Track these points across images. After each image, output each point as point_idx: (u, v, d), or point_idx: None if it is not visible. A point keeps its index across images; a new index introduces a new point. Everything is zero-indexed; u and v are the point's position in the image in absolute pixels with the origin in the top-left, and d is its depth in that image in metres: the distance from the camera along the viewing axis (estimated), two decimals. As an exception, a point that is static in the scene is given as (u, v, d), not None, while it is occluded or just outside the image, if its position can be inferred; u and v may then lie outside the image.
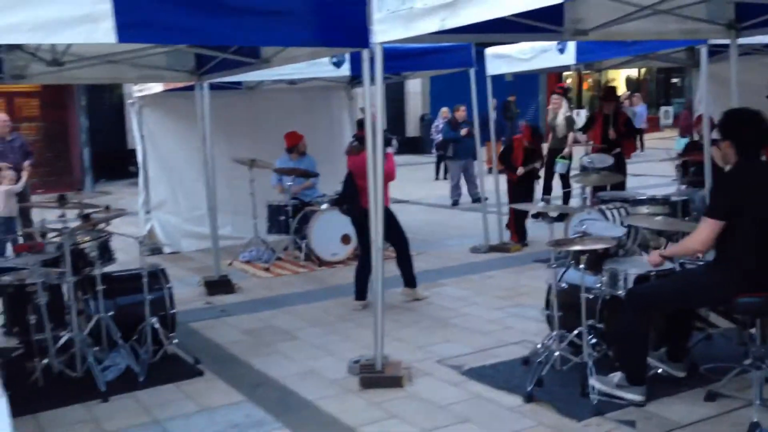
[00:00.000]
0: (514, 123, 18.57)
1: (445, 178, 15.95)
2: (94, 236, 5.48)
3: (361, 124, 6.83)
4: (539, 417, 4.32)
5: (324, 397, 4.77)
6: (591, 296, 4.79)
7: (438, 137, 16.78)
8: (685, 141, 14.45)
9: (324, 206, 8.86)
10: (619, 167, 8.95)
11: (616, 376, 4.44)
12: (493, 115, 10.60)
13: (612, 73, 27.60)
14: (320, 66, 7.94)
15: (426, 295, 7.04)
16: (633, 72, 29.10)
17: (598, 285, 4.84)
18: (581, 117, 25.91)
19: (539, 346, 5.04)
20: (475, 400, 4.64)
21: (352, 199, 6.76)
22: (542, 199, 6.17)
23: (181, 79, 7.50)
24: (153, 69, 7.07)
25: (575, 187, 8.62)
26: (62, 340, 5.11)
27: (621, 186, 8.97)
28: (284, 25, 4.59)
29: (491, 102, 9.52)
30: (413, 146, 23.34)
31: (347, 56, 7.97)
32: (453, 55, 8.31)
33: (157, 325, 5.43)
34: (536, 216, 9.47)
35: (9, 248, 8.46)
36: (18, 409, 3.50)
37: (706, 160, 7.08)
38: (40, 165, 10.69)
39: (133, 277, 5.58)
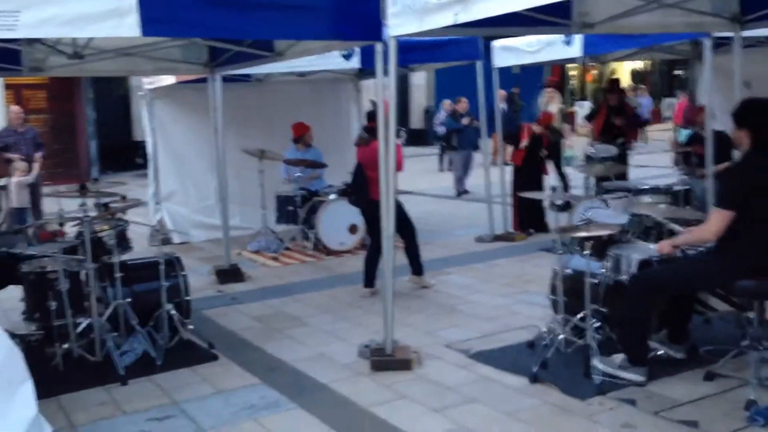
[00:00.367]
0: (519, 114, 18.71)
1: (449, 170, 16.10)
2: (112, 225, 5.64)
3: (371, 115, 6.97)
4: (544, 396, 4.49)
5: (336, 379, 4.94)
6: (596, 281, 4.94)
7: (441, 129, 16.94)
8: (688, 132, 14.58)
9: (332, 197, 9.01)
10: (622, 158, 9.09)
11: (619, 357, 4.61)
12: (502, 106, 10.76)
13: (616, 66, 27.66)
14: (330, 58, 8.06)
15: (432, 282, 7.20)
16: (637, 64, 29.14)
17: (602, 270, 4.99)
18: (585, 109, 26.06)
19: (544, 329, 5.20)
20: (482, 381, 4.81)
21: (360, 190, 6.91)
22: (551, 188, 6.30)
23: (195, 71, 7.65)
24: (167, 62, 7.22)
25: (579, 177, 8.77)
26: (82, 326, 5.28)
27: (623, 176, 9.12)
28: (301, 19, 4.74)
29: (499, 94, 9.66)
30: (417, 138, 23.49)
31: (357, 49, 8.10)
32: (461, 48, 8.45)
33: (173, 312, 5.60)
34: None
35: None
36: (40, 392, 3.65)
37: (708, 152, 7.21)
38: (47, 157, 10.85)
39: (149, 265, 5.74)
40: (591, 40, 7.76)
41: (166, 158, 10.24)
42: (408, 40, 6.73)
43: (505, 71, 9.59)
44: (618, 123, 9.09)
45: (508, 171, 9.77)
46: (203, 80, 8.42)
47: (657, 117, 26.46)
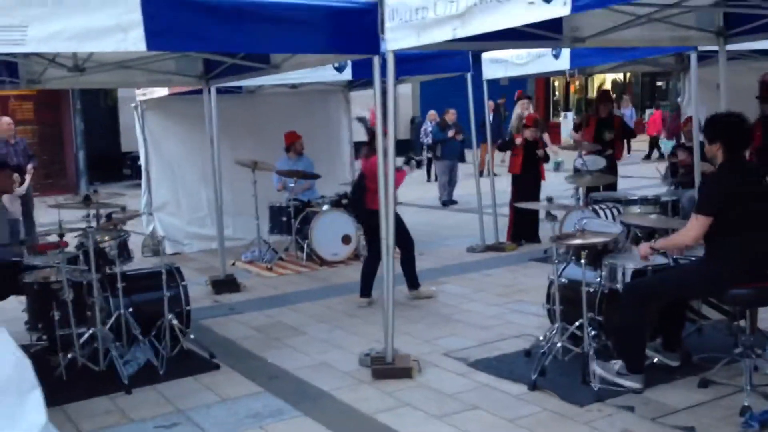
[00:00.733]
0: (504, 125, 18.90)
1: (435, 179, 16.24)
2: (113, 235, 5.70)
3: (370, 128, 7.09)
4: (543, 403, 4.59)
5: (338, 387, 5.02)
6: (591, 290, 5.05)
7: (427, 140, 17.10)
8: (671, 144, 14.81)
9: (325, 207, 9.10)
10: (611, 169, 9.24)
11: (617, 364, 4.71)
12: (489, 117, 10.90)
13: (599, 77, 27.95)
14: (323, 70, 8.18)
15: (433, 289, 7.27)
16: (619, 76, 29.48)
17: (598, 279, 5.11)
18: (568, 120, 26.32)
19: (541, 338, 5.32)
20: (482, 388, 4.91)
21: (358, 199, 7.01)
22: (547, 199, 6.43)
23: (190, 83, 7.74)
24: (162, 74, 7.31)
25: (569, 188, 8.93)
26: (86, 336, 5.33)
27: (612, 187, 9.27)
28: (301, 34, 4.85)
29: (488, 105, 9.80)
30: (403, 149, 23.59)
31: (349, 61, 8.21)
32: (451, 60, 8.60)
33: (174, 321, 5.65)
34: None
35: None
36: (45, 401, 3.70)
37: (696, 161, 7.38)
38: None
39: (150, 275, 5.80)
40: (579, 52, 7.91)
41: (158, 169, 10.28)
42: (400, 53, 6.85)
43: (493, 83, 9.75)
44: (609, 138, 9.23)
45: (498, 181, 9.90)
46: (195, 92, 8.51)
47: (640, 128, 26.76)
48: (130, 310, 5.56)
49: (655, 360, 4.95)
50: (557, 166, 11.78)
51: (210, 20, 4.53)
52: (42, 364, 5.31)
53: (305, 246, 9.10)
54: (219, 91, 8.41)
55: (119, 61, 6.48)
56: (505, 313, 6.63)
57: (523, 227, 9.57)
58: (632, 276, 4.94)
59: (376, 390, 4.95)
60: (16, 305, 5.73)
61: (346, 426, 4.42)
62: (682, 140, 9.61)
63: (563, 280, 5.36)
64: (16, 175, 9.79)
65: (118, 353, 5.27)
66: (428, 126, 17.18)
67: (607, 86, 28.76)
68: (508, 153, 10.00)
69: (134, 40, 4.25)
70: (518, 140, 9.52)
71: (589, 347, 4.84)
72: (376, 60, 5.14)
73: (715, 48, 6.60)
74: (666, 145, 13.46)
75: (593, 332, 5.00)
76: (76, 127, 18.59)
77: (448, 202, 14.10)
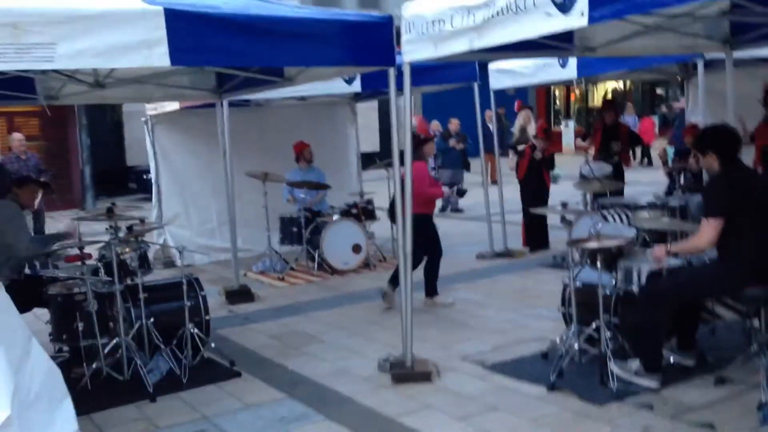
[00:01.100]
0: (506, 134, 19.04)
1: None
2: (134, 247, 5.80)
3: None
4: (563, 403, 4.68)
5: (360, 392, 5.11)
6: (607, 292, 5.15)
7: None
8: (671, 150, 14.92)
9: (335, 217, 9.21)
10: (618, 175, 9.34)
11: (635, 364, 4.81)
12: (490, 126, 11.02)
13: (600, 86, 28.15)
14: (332, 82, 8.26)
15: (450, 302, 7.32)
16: (620, 84, 29.67)
17: (613, 282, 5.21)
18: (570, 128, 26.48)
19: (558, 340, 5.41)
20: (501, 390, 5.00)
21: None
22: (561, 204, 6.54)
23: (203, 97, 7.86)
24: (176, 88, 7.42)
25: (575, 194, 9.05)
26: (110, 346, 5.42)
27: (619, 193, 9.37)
28: (318, 47, 4.98)
29: (486, 115, 9.93)
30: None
31: (358, 73, 8.33)
32: (458, 70, 8.72)
33: (194, 330, 5.75)
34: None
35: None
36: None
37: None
38: (41, 183, 11.07)
39: (170, 286, 5.91)
40: (585, 61, 8.03)
41: (168, 182, 10.39)
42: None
43: (499, 93, 9.88)
44: (617, 149, 9.33)
45: (506, 189, 10.00)
46: (205, 106, 8.67)
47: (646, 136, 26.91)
48: (152, 320, 5.65)
49: (671, 360, 5.04)
50: (555, 179, 11.89)
51: (229, 35, 4.65)
52: (66, 374, 5.41)
53: (316, 256, 9.20)
54: (228, 104, 8.54)
55: (135, 77, 6.59)
56: (518, 317, 6.72)
57: (533, 233, 9.68)
58: (648, 278, 5.04)
59: (396, 394, 5.04)
60: (32, 319, 5.82)
61: (371, 429, 4.51)
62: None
63: (578, 283, 5.46)
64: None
65: (141, 362, 5.37)
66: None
67: (608, 95, 28.98)
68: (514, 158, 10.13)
69: (159, 56, 4.37)
70: (520, 147, 9.64)
71: (606, 348, 4.93)
72: (392, 72, 5.25)
73: (722, 55, 6.73)
74: (670, 151, 13.58)
75: (609, 334, 5.09)
76: (82, 143, 18.72)
77: (446, 208, 14.24)
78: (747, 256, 4.47)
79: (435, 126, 17.46)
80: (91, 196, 18.72)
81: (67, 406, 4.13)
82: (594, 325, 5.14)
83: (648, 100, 32.48)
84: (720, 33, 6.35)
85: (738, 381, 4.73)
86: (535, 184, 9.54)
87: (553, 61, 8.30)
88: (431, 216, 7.33)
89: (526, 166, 9.53)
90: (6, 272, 5.67)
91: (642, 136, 21.73)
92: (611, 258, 5.23)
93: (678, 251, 4.86)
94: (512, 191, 9.98)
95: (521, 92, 24.01)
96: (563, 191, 10.97)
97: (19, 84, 6.58)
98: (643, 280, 5.05)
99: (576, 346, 5.17)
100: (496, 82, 9.44)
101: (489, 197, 9.70)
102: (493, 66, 9.35)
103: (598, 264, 5.01)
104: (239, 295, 8.05)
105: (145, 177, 17.17)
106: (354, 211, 9.56)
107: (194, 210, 10.49)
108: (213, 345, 5.92)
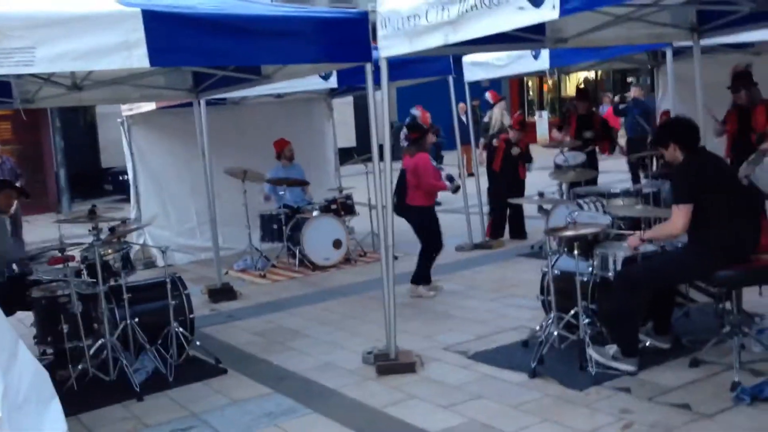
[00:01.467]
0: (479, 126, 19.20)
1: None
2: (116, 248, 5.83)
3: (412, 127, 7.32)
4: (544, 389, 4.79)
5: (345, 385, 5.19)
6: (584, 279, 5.27)
7: (406, 144, 17.36)
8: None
9: (315, 213, 9.26)
10: (592, 164, 9.48)
11: (612, 348, 4.93)
12: (463, 118, 11.12)
13: (572, 76, 28.36)
14: (308, 79, 8.28)
15: (431, 294, 7.41)
16: (591, 74, 29.92)
17: (590, 269, 5.33)
18: (543, 119, 26.68)
19: (538, 328, 5.52)
20: (484, 379, 5.10)
21: (398, 196, 7.16)
22: (539, 193, 6.66)
23: (180, 96, 7.87)
24: (153, 88, 7.43)
25: (551, 184, 9.16)
26: (96, 346, 5.45)
27: (593, 182, 9.52)
28: (295, 44, 5.04)
29: (460, 107, 10.04)
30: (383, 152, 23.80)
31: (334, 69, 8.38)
32: (433, 64, 8.77)
33: (179, 329, 5.79)
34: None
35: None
36: (62, 411, 3.85)
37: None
38: (16, 187, 10.99)
39: (154, 286, 5.94)
40: (558, 53, 8.13)
41: (146, 183, 10.38)
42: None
43: (473, 85, 10.00)
44: (587, 136, 9.47)
45: (482, 181, 10.12)
46: (180, 105, 8.66)
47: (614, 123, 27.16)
48: (136, 320, 5.68)
49: (647, 343, 5.17)
50: (529, 168, 12.06)
51: (207, 36, 4.69)
52: (51, 376, 5.42)
53: (297, 252, 9.25)
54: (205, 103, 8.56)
55: (112, 78, 6.60)
56: (499, 307, 6.83)
57: (510, 224, 9.82)
58: (623, 264, 5.17)
59: (382, 385, 5.13)
60: (14, 323, 5.81)
61: (358, 420, 4.58)
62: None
63: (556, 271, 5.57)
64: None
65: (127, 362, 5.40)
66: (406, 130, 17.45)
67: (581, 85, 29.21)
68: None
69: (138, 57, 4.41)
70: (495, 141, 9.76)
71: (585, 334, 5.05)
72: (369, 67, 5.33)
73: (690, 43, 6.87)
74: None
75: (587, 320, 5.21)
76: (56, 145, 18.59)
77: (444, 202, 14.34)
78: (717, 239, 4.60)
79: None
80: (66, 199, 18.60)
81: (56, 407, 4.16)
82: (572, 312, 5.25)
83: (619, 88, 32.74)
84: (687, 21, 6.48)
85: (712, 362, 4.87)
86: (510, 176, 9.66)
87: (526, 53, 8.41)
88: (434, 207, 7.42)
89: (501, 158, 9.65)
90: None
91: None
92: (587, 245, 5.35)
93: (651, 237, 5.00)
94: (488, 183, 10.10)
95: (495, 83, 24.21)
96: (539, 182, 11.11)
97: (-6, 88, 6.58)
98: (619, 266, 5.16)
99: (555, 333, 5.29)
100: (470, 75, 9.55)
101: (466, 189, 9.77)
102: (467, 59, 9.45)
103: (575, 252, 5.10)
104: (222, 293, 8.09)
105: (121, 178, 17.12)
106: (333, 206, 9.63)
107: (173, 210, 10.49)
108: (198, 343, 5.97)
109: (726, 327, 4.93)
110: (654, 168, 8.99)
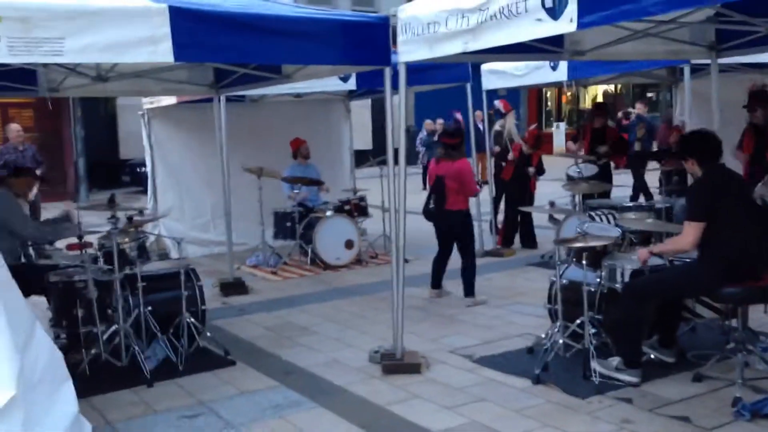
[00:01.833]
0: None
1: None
2: (133, 237, 5.94)
3: (450, 133, 7.33)
4: (547, 396, 4.86)
5: (351, 382, 5.27)
6: (591, 290, 5.33)
7: (422, 149, 17.48)
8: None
9: (329, 213, 9.35)
10: (605, 177, 9.52)
11: (615, 360, 4.99)
12: (480, 126, 11.20)
13: (591, 89, 28.35)
14: (328, 80, 8.42)
15: (484, 298, 7.39)
16: (611, 87, 29.89)
17: (598, 280, 5.39)
18: (561, 130, 26.69)
19: (543, 336, 5.59)
20: (488, 383, 5.17)
21: (439, 200, 7.27)
22: (549, 203, 6.72)
23: (201, 92, 7.99)
24: (174, 83, 7.55)
25: (564, 195, 9.21)
26: (109, 332, 5.56)
27: (606, 195, 9.57)
28: (317, 46, 5.12)
29: (476, 115, 10.13)
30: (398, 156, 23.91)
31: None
32: (451, 71, 8.87)
33: (191, 320, 5.89)
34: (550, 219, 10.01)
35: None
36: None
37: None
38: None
39: (167, 276, 6.05)
40: (576, 64, 8.21)
41: (163, 175, 10.53)
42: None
43: (491, 93, 10.08)
44: (602, 151, 9.50)
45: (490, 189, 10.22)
46: (201, 100, 8.78)
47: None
48: (150, 308, 5.79)
49: (652, 356, 5.23)
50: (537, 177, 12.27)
51: (231, 33, 4.79)
52: (65, 359, 5.55)
53: (309, 250, 9.35)
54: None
55: (135, 71, 6.73)
56: (506, 314, 6.90)
57: (521, 233, 9.88)
58: (630, 276, 5.23)
59: (387, 384, 5.21)
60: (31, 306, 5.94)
61: (361, 416, 4.66)
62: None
63: (564, 281, 5.63)
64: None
65: (139, 349, 5.51)
66: (423, 135, 17.55)
67: (599, 97, 29.21)
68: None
69: (163, 52, 4.51)
70: (510, 155, 9.81)
71: (590, 344, 5.11)
72: (388, 71, 5.41)
73: (708, 61, 6.92)
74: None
75: (593, 330, 5.27)
76: (76, 135, 18.79)
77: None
78: (725, 256, 4.65)
79: (429, 125, 17.68)
80: (84, 188, 18.82)
81: (69, 388, 4.28)
82: (578, 321, 5.31)
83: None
84: (705, 39, 6.54)
85: (715, 378, 4.92)
86: (519, 187, 9.72)
87: (544, 64, 8.48)
88: (467, 211, 7.45)
89: (513, 168, 9.71)
90: (7, 258, 5.79)
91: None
92: (596, 256, 5.41)
93: (661, 252, 5.05)
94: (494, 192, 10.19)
95: (513, 93, 24.29)
96: (551, 192, 11.17)
97: (20, 76, 6.70)
98: (627, 278, 5.22)
99: (560, 341, 5.35)
100: (488, 83, 9.62)
101: (479, 197, 9.84)
102: (485, 67, 9.53)
103: (584, 262, 5.17)
104: (233, 287, 8.20)
105: (138, 170, 17.30)
106: (347, 207, 9.72)
107: (189, 203, 10.63)
108: (209, 334, 6.07)
109: (731, 343, 4.98)
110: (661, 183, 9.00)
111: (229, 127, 9.01)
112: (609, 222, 7.89)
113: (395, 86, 5.48)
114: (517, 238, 10.10)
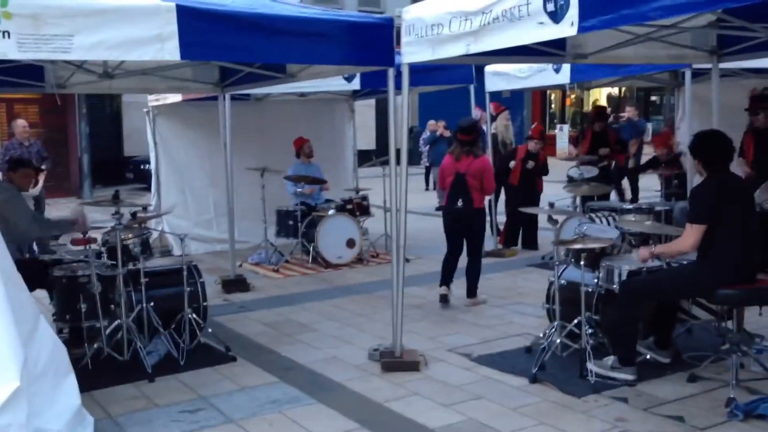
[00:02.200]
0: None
1: (434, 188, 16.63)
2: (137, 233, 6.01)
3: (466, 129, 7.26)
4: (544, 394, 4.92)
5: (350, 378, 5.33)
6: (589, 290, 5.39)
7: (425, 149, 17.54)
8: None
9: (331, 212, 9.42)
10: (604, 179, 9.56)
11: (610, 359, 5.06)
12: (484, 128, 11.21)
13: (594, 91, 28.41)
14: (332, 80, 8.48)
15: (484, 297, 7.45)
16: (614, 90, 29.95)
17: (595, 280, 5.45)
18: (564, 132, 26.73)
19: (541, 335, 5.65)
20: (485, 381, 5.23)
21: (467, 198, 7.17)
22: (549, 204, 6.78)
23: (206, 90, 8.06)
24: (179, 80, 7.61)
25: (565, 197, 9.26)
26: (111, 327, 5.63)
27: (606, 197, 9.63)
28: (322, 45, 5.18)
29: (488, 116, 10.20)
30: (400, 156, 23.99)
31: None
32: (455, 72, 8.94)
33: (192, 316, 5.96)
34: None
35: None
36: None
37: (689, 173, 7.73)
38: (40, 170, 11.22)
39: (171, 272, 6.12)
40: (578, 67, 8.27)
41: (167, 172, 10.60)
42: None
43: (495, 95, 10.13)
44: (602, 153, 9.56)
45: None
46: (206, 98, 8.85)
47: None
48: (152, 304, 5.85)
49: (648, 357, 5.28)
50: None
51: (237, 33, 4.85)
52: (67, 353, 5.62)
53: (311, 249, 9.42)
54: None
55: (142, 69, 6.80)
56: (505, 313, 6.96)
57: (523, 234, 9.95)
58: (627, 276, 5.28)
59: (386, 381, 5.27)
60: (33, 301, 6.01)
61: (360, 412, 4.72)
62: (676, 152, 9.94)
63: (563, 281, 5.69)
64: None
65: (141, 344, 5.58)
66: (427, 135, 17.59)
67: (603, 100, 29.28)
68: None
69: (170, 50, 4.57)
70: (512, 163, 9.84)
71: (587, 344, 5.17)
72: (391, 72, 5.48)
73: (709, 66, 6.97)
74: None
75: (590, 330, 5.33)
76: (81, 131, 18.87)
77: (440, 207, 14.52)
78: (724, 259, 4.70)
79: (432, 126, 17.70)
80: (88, 184, 18.89)
81: (71, 381, 4.35)
82: (575, 321, 5.37)
83: (642, 107, 32.74)
84: (707, 44, 6.58)
85: (710, 378, 4.98)
86: (526, 189, 9.76)
87: (547, 66, 8.53)
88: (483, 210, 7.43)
89: (519, 171, 9.76)
90: (13, 251, 5.86)
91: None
92: (594, 257, 5.47)
93: (661, 253, 5.10)
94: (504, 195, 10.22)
95: (516, 95, 24.32)
96: (553, 193, 11.21)
97: (27, 72, 6.75)
98: (624, 278, 5.28)
99: (558, 340, 5.41)
100: (491, 85, 9.68)
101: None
102: (489, 69, 9.59)
103: (582, 263, 5.23)
104: (235, 284, 8.26)
105: (142, 167, 17.38)
106: (349, 206, 9.79)
107: (192, 200, 10.70)
108: (210, 330, 6.13)
109: (726, 345, 5.03)
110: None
111: (233, 125, 9.08)
112: (609, 224, 7.96)
113: (398, 87, 5.54)
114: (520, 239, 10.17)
